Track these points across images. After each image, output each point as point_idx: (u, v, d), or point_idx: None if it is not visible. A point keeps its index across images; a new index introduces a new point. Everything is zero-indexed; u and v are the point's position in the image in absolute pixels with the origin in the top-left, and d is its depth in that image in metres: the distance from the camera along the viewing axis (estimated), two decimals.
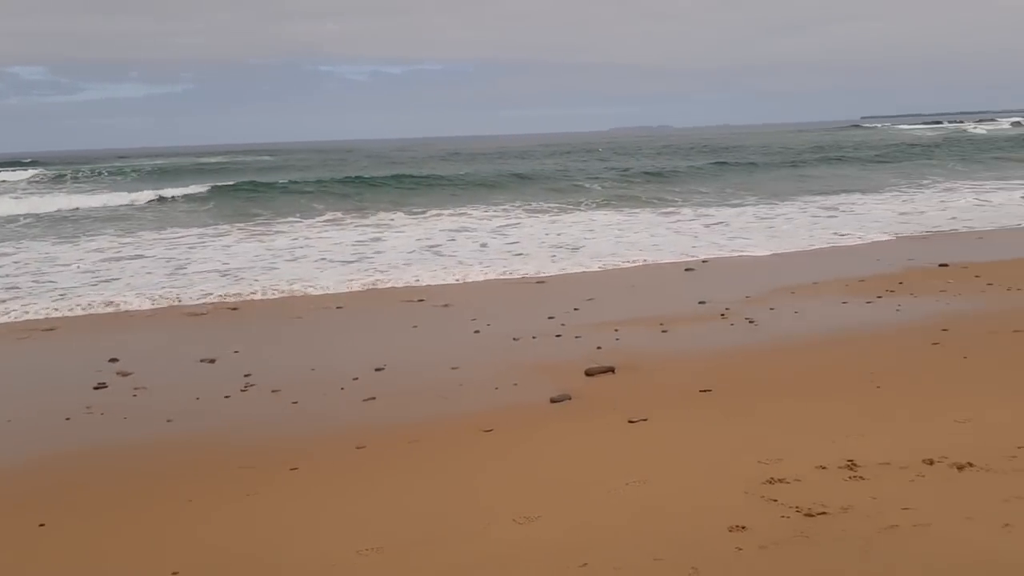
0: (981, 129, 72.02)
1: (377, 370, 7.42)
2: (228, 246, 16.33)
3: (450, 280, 12.11)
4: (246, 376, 7.38)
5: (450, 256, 14.41)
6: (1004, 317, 8.31)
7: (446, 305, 10.32)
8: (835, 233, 15.74)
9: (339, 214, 21.69)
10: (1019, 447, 4.70)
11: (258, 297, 11.25)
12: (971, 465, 4.49)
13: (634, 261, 13.28)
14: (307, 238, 17.26)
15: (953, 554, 3.57)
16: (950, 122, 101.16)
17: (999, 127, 77.64)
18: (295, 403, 6.66)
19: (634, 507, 4.30)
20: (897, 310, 9.00)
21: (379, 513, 4.48)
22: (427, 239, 16.60)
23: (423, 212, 21.69)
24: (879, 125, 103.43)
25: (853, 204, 21.28)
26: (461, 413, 6.28)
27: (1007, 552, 3.55)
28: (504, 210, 21.86)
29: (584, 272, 12.57)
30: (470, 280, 12.12)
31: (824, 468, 4.62)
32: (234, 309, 10.65)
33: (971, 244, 13.92)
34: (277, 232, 18.51)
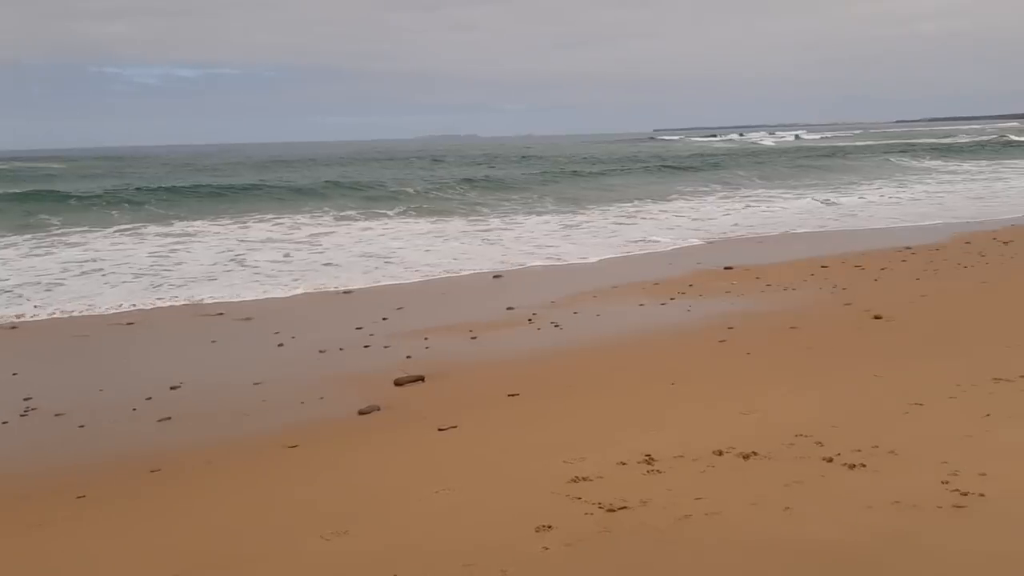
0: (770, 141, 77.86)
1: (172, 388, 7.04)
2: (8, 260, 14.96)
3: (253, 292, 11.67)
4: (26, 400, 6.80)
5: (253, 267, 13.90)
6: (782, 315, 9.00)
7: (248, 319, 9.94)
8: (633, 240, 16.51)
9: (134, 224, 20.37)
10: (797, 435, 5.08)
11: (42, 316, 10.38)
12: (755, 454, 4.81)
13: (444, 270, 13.35)
14: (98, 250, 16.10)
15: (741, 539, 3.80)
16: (739, 135, 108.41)
17: (783, 139, 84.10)
18: (82, 427, 6.20)
19: (443, 515, 4.30)
20: (688, 311, 9.54)
21: (177, 538, 4.24)
22: (229, 250, 15.93)
23: (226, 221, 20.77)
24: (677, 138, 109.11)
25: (650, 211, 22.42)
26: (264, 430, 6.07)
27: (788, 533, 3.82)
28: (312, 218, 21.35)
29: (393, 281, 12.49)
30: (274, 292, 11.74)
31: (624, 464, 4.80)
32: (13, 328, 9.79)
33: (753, 248, 14.99)
34: (66, 244, 17.14)
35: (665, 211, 22.51)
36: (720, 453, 4.87)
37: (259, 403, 6.70)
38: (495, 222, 20.75)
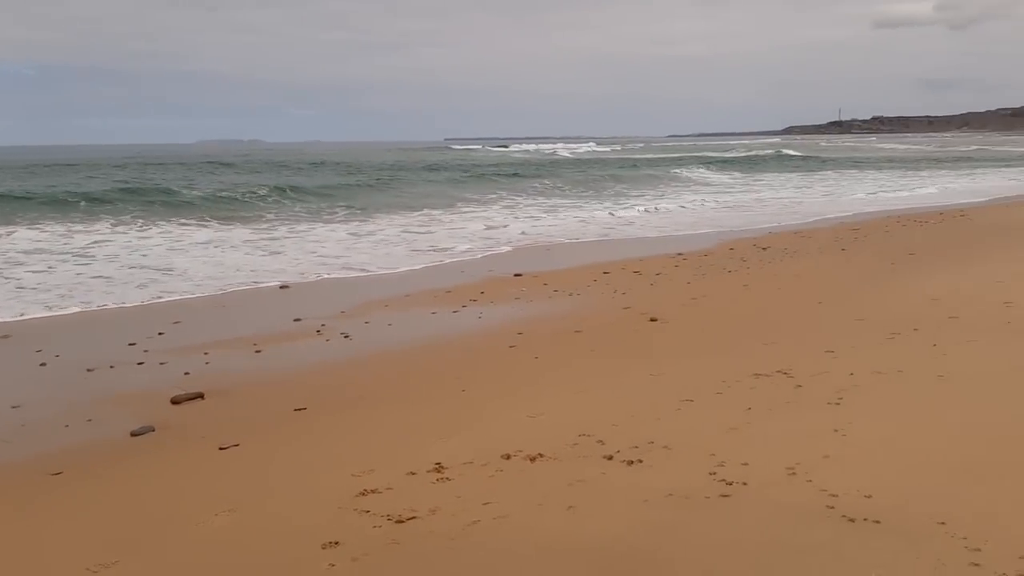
0: (566, 152, 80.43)
1: None
2: None
3: (12, 309, 10.63)
4: None
5: (16, 280, 12.69)
6: (567, 320, 9.33)
7: (5, 336, 9.06)
8: (425, 248, 16.55)
9: None
10: (580, 435, 5.26)
11: None
12: (541, 456, 4.94)
13: (226, 281, 12.76)
14: None
15: (528, 540, 3.88)
16: (534, 145, 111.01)
17: (577, 151, 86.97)
18: None
19: (224, 538, 4.09)
20: (479, 317, 9.69)
21: None
22: None
23: None
24: (471, 147, 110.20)
25: (442, 219, 22.58)
26: (23, 457, 5.56)
27: (571, 532, 3.94)
28: (85, 227, 19.78)
29: (172, 297, 11.77)
30: (37, 308, 10.74)
31: (414, 474, 4.78)
32: None
33: (541, 255, 15.46)
34: None
35: (457, 219, 22.74)
36: (508, 457, 4.95)
37: (17, 428, 6.13)
38: (282, 230, 20.11)
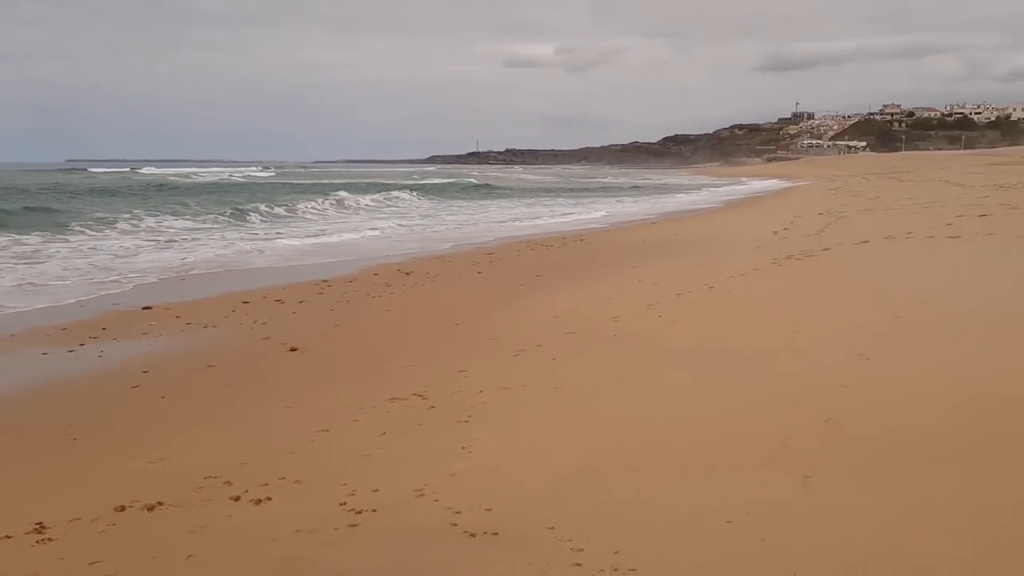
0: (209, 177, 76.19)
1: None
2: None
3: None
4: None
5: None
6: (201, 354, 8.83)
7: None
8: (36, 282, 14.79)
9: None
10: (206, 477, 4.97)
11: None
12: (161, 504, 4.58)
13: None
14: None
15: None
16: (172, 168, 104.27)
17: (222, 174, 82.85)
18: None
19: None
20: (100, 356, 8.84)
21: None
22: None
23: None
24: (104, 169, 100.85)
25: (49, 248, 20.37)
26: None
27: None
28: None
29: None
30: None
31: (10, 537, 4.20)
32: None
33: (175, 286, 14.51)
34: None
35: (69, 246, 20.62)
36: (122, 508, 4.54)
37: None
38: None
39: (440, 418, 5.98)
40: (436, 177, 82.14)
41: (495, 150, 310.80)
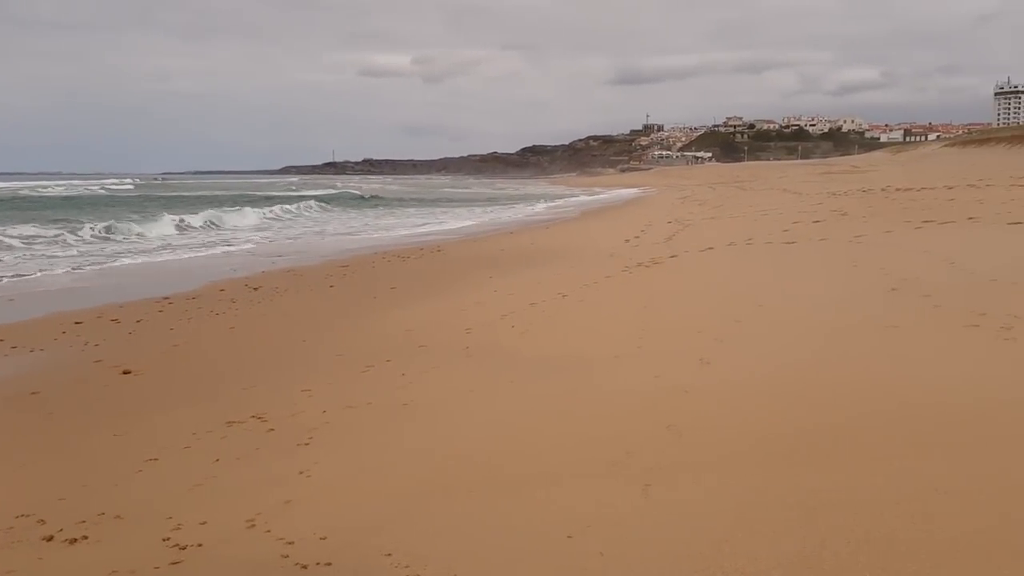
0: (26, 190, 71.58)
1: None
2: None
3: None
4: None
5: None
6: (23, 380, 8.17)
7: None
8: None
9: None
10: (18, 516, 4.55)
11: None
12: None
13: None
14: None
15: None
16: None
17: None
18: None
19: None
20: None
21: None
22: None
23: None
24: None
25: None
26: None
27: None
28: None
29: None
30: None
31: None
32: None
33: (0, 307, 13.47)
34: None
35: None
36: None
37: None
38: None
39: (279, 441, 5.70)
40: (313, 188, 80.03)
41: (352, 160, 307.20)
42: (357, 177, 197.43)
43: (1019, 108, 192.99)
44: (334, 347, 9.16)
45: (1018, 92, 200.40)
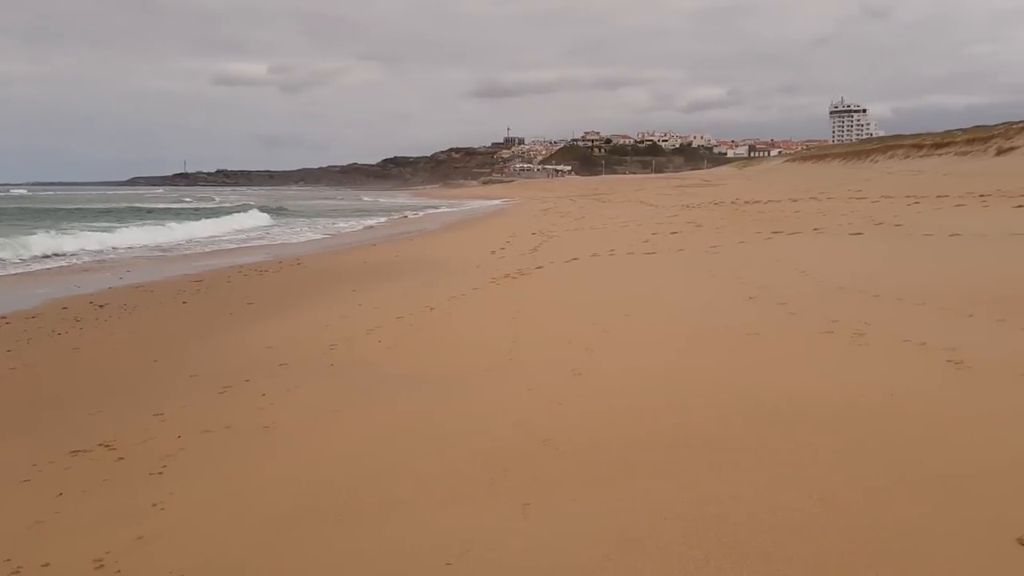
0: None
1: None
2: None
3: None
4: None
5: None
6: None
7: None
8: None
9: None
10: None
11: None
12: None
13: None
14: None
15: None
16: None
17: None
18: None
19: None
20: None
21: None
22: None
23: None
24: None
25: None
26: None
27: None
28: None
29: None
30: None
31: None
32: None
33: None
34: None
35: None
36: None
37: None
38: None
39: (129, 471, 5.28)
40: (206, 202, 76.67)
41: (205, 171, 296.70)
42: (211, 189, 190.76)
43: (852, 126, 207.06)
44: (188, 367, 8.66)
45: (851, 111, 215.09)
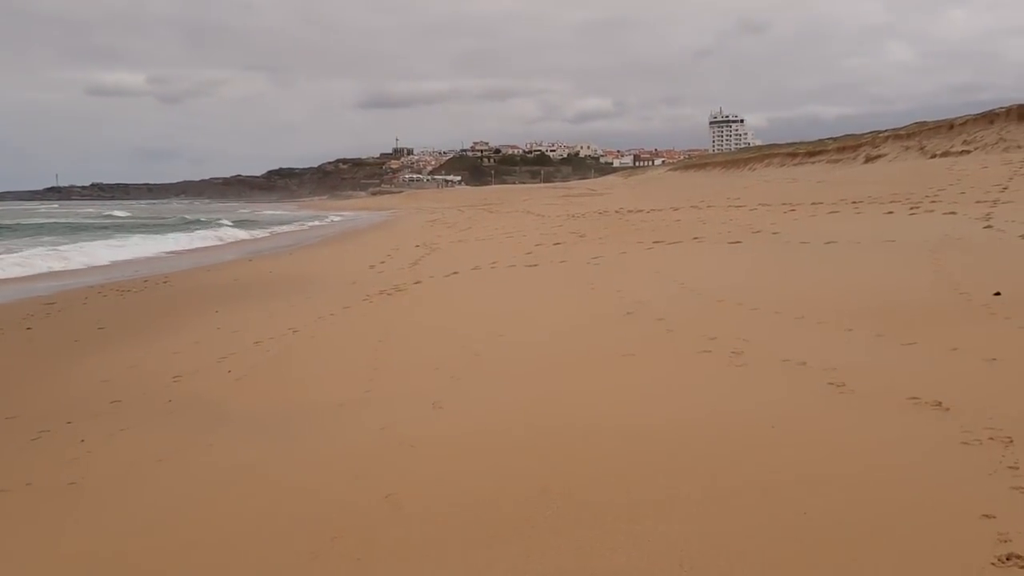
0: None
1: None
2: None
3: None
4: None
5: None
6: None
7: None
8: None
9: None
10: None
11: None
12: None
13: None
14: None
15: None
16: None
17: None
18: None
19: None
20: None
21: None
22: None
23: None
24: None
25: None
26: None
27: None
28: None
29: None
30: None
31: None
32: None
33: None
34: None
35: None
36: None
37: None
38: None
39: None
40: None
41: (79, 184, 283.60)
42: (87, 203, 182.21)
43: (730, 135, 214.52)
44: (8, 407, 7.63)
45: (729, 121, 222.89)
